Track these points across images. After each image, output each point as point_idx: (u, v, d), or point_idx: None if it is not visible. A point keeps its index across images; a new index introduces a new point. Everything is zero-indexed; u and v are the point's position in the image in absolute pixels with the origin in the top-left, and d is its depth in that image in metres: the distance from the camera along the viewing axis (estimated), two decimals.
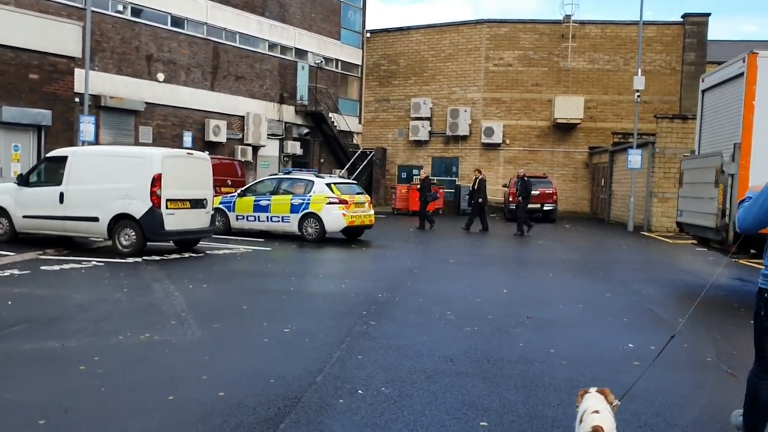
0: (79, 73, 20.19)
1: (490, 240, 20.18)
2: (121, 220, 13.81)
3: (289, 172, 18.81)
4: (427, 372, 6.29)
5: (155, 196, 13.61)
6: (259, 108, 31.88)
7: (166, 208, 13.79)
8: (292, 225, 17.64)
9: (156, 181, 13.62)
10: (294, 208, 17.59)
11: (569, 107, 35.20)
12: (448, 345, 7.30)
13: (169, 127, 28.55)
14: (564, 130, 36.10)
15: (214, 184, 23.18)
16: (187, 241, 14.97)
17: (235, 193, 18.79)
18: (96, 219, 13.92)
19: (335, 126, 34.85)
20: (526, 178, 22.21)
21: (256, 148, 31.73)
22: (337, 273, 12.63)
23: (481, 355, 6.98)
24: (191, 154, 14.92)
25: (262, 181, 19.19)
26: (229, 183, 23.08)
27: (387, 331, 7.86)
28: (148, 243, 14.12)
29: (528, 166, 35.86)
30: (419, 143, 37.45)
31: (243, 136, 31.31)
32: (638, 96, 25.80)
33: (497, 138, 35.86)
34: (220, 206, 18.65)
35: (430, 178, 23.62)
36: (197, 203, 14.54)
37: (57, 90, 18.98)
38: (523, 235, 21.43)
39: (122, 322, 7.91)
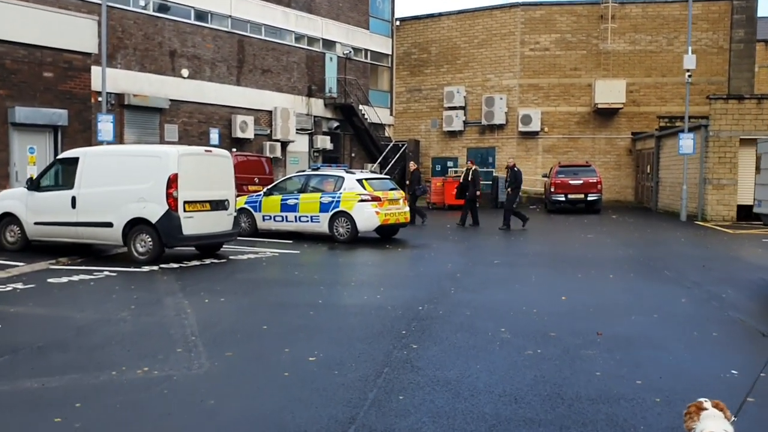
0: (96, 70, 19.17)
1: (533, 237, 18.67)
2: (136, 225, 12.67)
3: (317, 168, 17.52)
4: (488, 419, 4.92)
5: (172, 198, 12.43)
6: (286, 102, 30.70)
7: (184, 210, 12.60)
8: (321, 225, 16.36)
9: (172, 181, 12.44)
10: (323, 207, 16.30)
11: (610, 91, 33.34)
12: (508, 376, 5.92)
13: (195, 124, 27.53)
14: (605, 115, 34.26)
15: (240, 182, 22.20)
16: (208, 246, 13.78)
17: (261, 192, 17.57)
18: (110, 224, 12.81)
19: (366, 118, 33.54)
20: (516, 168, 20.42)
21: (284, 144, 30.57)
22: (370, 280, 11.29)
23: (552, 390, 5.58)
24: (210, 151, 13.69)
25: (289, 178, 17.95)
26: (257, 181, 21.91)
27: (432, 357, 6.50)
28: (167, 249, 12.98)
29: (568, 155, 34.21)
30: (453, 134, 35.93)
31: (271, 131, 30.17)
32: (689, 76, 23.96)
33: (535, 126, 34.18)
34: (246, 206, 17.46)
35: (420, 170, 21.68)
36: (218, 205, 13.32)
37: (73, 88, 17.95)
38: (509, 230, 19.60)
39: (120, 352, 6.68)
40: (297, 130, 31.02)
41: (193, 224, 12.74)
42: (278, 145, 29.92)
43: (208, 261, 12.98)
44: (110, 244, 13.53)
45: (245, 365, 6.25)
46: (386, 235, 17.25)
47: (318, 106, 32.44)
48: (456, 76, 36.09)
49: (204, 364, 6.25)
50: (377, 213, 15.96)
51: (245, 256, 13.63)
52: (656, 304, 9.23)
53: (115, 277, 11.15)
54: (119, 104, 24.64)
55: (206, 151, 13.62)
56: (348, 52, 33.35)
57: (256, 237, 16.99)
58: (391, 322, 7.90)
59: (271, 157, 29.39)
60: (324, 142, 32.00)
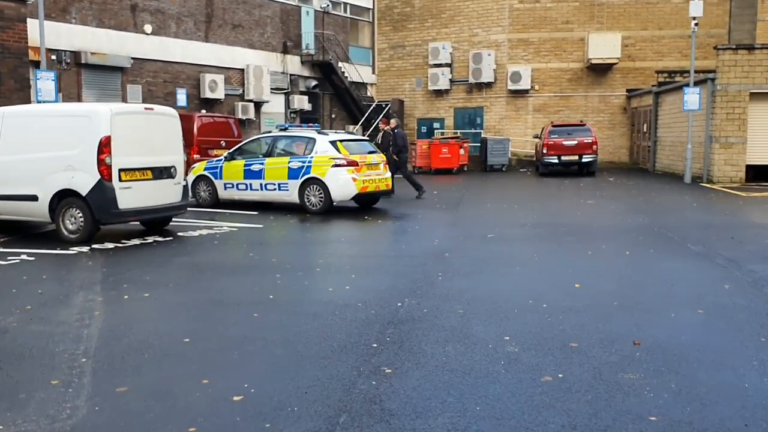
0: (39, 23, 16.74)
1: (528, 204, 16.67)
2: (65, 198, 10.54)
3: (285, 129, 15.34)
4: None
5: (104, 166, 10.28)
6: (260, 59, 28.28)
7: (120, 180, 10.47)
8: (291, 194, 14.27)
9: (104, 146, 10.27)
10: (292, 173, 14.19)
11: (604, 46, 31.11)
12: (523, 426, 3.94)
13: (161, 84, 25.14)
14: (599, 71, 32.09)
15: (205, 146, 20.09)
16: (153, 221, 11.69)
17: (222, 157, 15.40)
18: (35, 198, 10.66)
19: (346, 77, 31.17)
20: (397, 130, 17.70)
21: (258, 105, 28.23)
22: (341, 263, 9.24)
23: None
24: (151, 109, 11.45)
25: (254, 140, 15.73)
26: (224, 144, 19.72)
27: (411, 391, 4.50)
28: (103, 226, 10.89)
29: (560, 114, 32.11)
30: (439, 93, 33.63)
31: (243, 91, 27.82)
32: (695, 24, 21.80)
33: (525, 84, 31.96)
34: (205, 173, 15.31)
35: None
36: (162, 172, 11.18)
37: (5, 41, 15.57)
38: (424, 191, 17.43)
39: None
40: (272, 89, 28.66)
41: (132, 196, 10.61)
42: (251, 105, 27.59)
43: (150, 239, 10.88)
44: (37, 221, 11.38)
45: (137, 411, 4.22)
46: (365, 205, 15.20)
47: (294, 64, 30.05)
48: (441, 32, 33.67)
49: (79, 409, 4.23)
50: (354, 180, 13.88)
51: (197, 233, 11.54)
52: (694, 292, 7.28)
53: (31, 262, 9.07)
54: (75, 63, 22.23)
55: (146, 109, 11.38)
56: (326, 5, 30.83)
57: (217, 208, 14.89)
58: (359, 329, 5.90)
59: (244, 118, 27.14)
60: (301, 102, 29.68)
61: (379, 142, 18.64)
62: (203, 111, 24.54)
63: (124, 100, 23.90)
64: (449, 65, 33.08)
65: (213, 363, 5.07)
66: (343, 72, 31.02)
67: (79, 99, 22.54)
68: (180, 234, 11.41)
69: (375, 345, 5.45)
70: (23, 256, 9.39)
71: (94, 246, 10.15)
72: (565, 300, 6.89)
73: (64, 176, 10.44)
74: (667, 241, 10.64)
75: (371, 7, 34.16)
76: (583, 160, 25.03)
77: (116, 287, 7.55)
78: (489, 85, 32.63)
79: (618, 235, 11.21)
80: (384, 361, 5.08)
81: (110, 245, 10.27)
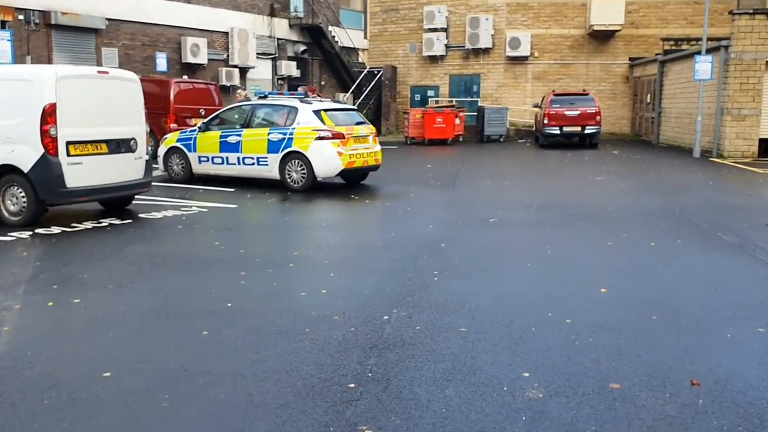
0: None
1: (531, 180, 15.29)
2: (5, 175, 9.09)
3: (265, 96, 13.80)
4: None
5: (48, 138, 8.81)
6: (245, 22, 26.55)
7: (68, 155, 9.01)
8: (270, 169, 12.82)
9: (48, 115, 8.78)
10: (272, 146, 12.72)
11: (607, 11, 29.42)
12: None
13: (139, 47, 23.45)
14: (601, 38, 30.45)
15: (182, 115, 18.51)
16: (112, 201, 10.26)
17: (196, 127, 13.89)
18: None
19: (337, 42, 29.47)
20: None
21: (244, 70, 26.55)
22: (319, 256, 7.81)
23: None
24: (106, 72, 9.90)
25: (230, 108, 14.17)
26: (203, 113, 18.13)
27: None
28: (52, 207, 9.47)
29: (560, 83, 30.54)
30: (434, 59, 31.91)
31: (228, 56, 26.14)
32: None
33: (524, 50, 30.32)
34: (178, 145, 13.82)
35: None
36: (120, 145, 9.71)
37: None
38: None
39: None
40: (258, 54, 26.98)
41: (82, 173, 9.16)
42: (236, 71, 25.91)
43: (106, 222, 9.45)
44: None
45: None
46: (353, 181, 13.78)
47: (282, 28, 28.31)
48: None
49: None
50: (339, 154, 12.44)
51: (160, 214, 10.10)
52: (745, 299, 5.94)
53: None
54: (45, 23, 20.55)
55: (100, 72, 9.83)
56: None
57: (191, 183, 13.45)
58: (333, 356, 4.54)
59: (229, 84, 25.51)
60: (289, 68, 28.03)
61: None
62: (185, 77, 22.91)
63: (99, 64, 22.21)
64: (445, 30, 31.36)
65: (130, 416, 3.71)
66: (334, 37, 29.34)
67: (49, 62, 20.91)
68: (141, 215, 9.99)
69: (352, 385, 4.09)
70: None
71: (38, 231, 8.73)
72: (591, 312, 5.54)
73: (3, 150, 8.96)
74: (693, 229, 9.29)
75: None
76: (586, 131, 23.59)
77: (43, 289, 6.16)
78: (486, 51, 30.97)
79: (637, 220, 9.84)
80: (362, 413, 3.73)
81: (57, 230, 8.85)
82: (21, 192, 9.01)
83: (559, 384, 4.12)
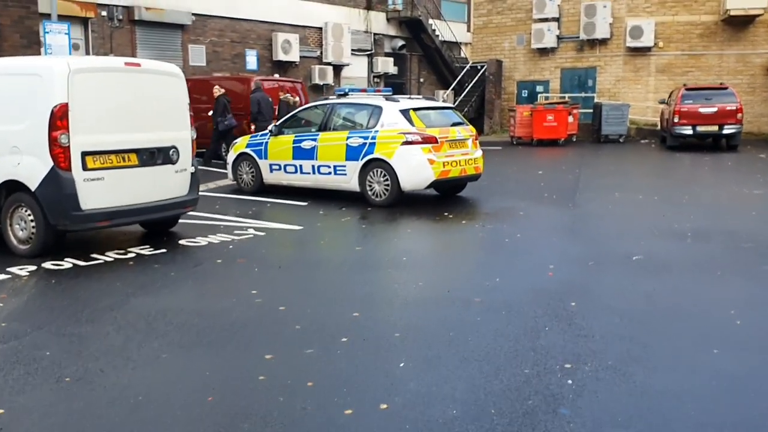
0: None
1: (666, 192, 12.26)
2: (14, 193, 7.24)
3: (345, 94, 11.54)
4: None
5: (58, 147, 6.86)
6: (340, 16, 24.53)
7: (84, 168, 7.02)
8: (349, 179, 10.52)
9: (58, 119, 6.83)
10: (351, 153, 10.42)
11: None
12: None
13: (227, 45, 21.95)
14: (738, 25, 26.29)
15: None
16: (151, 223, 8.28)
17: (268, 131, 11.79)
18: None
19: (437, 36, 27.02)
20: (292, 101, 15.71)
21: (338, 68, 24.59)
22: (387, 321, 5.13)
23: None
24: (137, 65, 7.84)
25: (307, 109, 11.98)
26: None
27: None
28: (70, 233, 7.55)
29: (688, 76, 26.62)
30: (544, 52, 28.71)
31: (321, 53, 24.23)
32: None
33: (647, 40, 26.63)
34: (248, 150, 11.79)
35: (228, 97, 15.59)
36: (155, 156, 7.65)
37: None
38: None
39: None
40: (353, 50, 24.95)
41: (103, 191, 7.15)
42: (329, 69, 23.99)
43: (134, 252, 7.40)
44: None
45: None
46: (448, 193, 11.29)
47: (379, 22, 26.13)
48: None
49: None
50: (431, 161, 9.97)
51: (206, 240, 7.97)
52: None
53: None
54: (129, 20, 19.33)
55: (129, 64, 7.76)
56: None
57: (261, 195, 11.38)
58: None
59: (322, 84, 23.59)
60: (386, 65, 25.83)
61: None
62: (276, 75, 21.10)
63: (185, 62, 20.86)
64: (557, 19, 28.13)
65: None
66: (434, 30, 26.89)
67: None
68: (182, 242, 7.91)
69: None
70: None
71: (45, 264, 6.79)
72: None
73: (8, 162, 7.10)
74: None
75: None
76: (724, 131, 19.93)
77: (27, 359, 4.09)
78: (603, 41, 27.50)
79: None
80: None
81: (68, 263, 6.88)
82: (29, 214, 7.12)
83: None
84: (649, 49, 27.01)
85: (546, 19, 28.15)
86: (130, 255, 7.30)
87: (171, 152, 7.86)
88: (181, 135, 8.01)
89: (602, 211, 10.08)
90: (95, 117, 7.12)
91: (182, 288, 6.17)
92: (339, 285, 6.31)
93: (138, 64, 7.75)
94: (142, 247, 7.64)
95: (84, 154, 7.00)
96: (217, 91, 15.43)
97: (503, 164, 16.26)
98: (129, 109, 7.47)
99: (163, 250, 7.51)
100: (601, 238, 8.08)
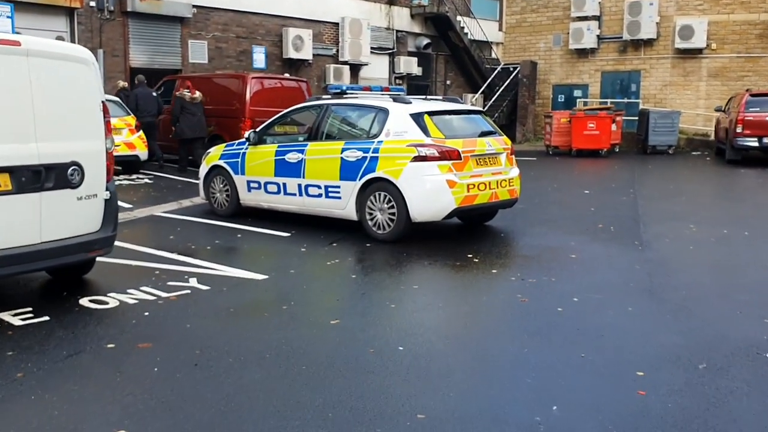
0: None
1: (759, 222, 9.42)
2: None
3: (342, 93, 8.90)
4: None
5: None
6: (359, 11, 21.95)
7: None
8: (344, 204, 7.90)
9: None
10: (347, 170, 7.79)
11: None
12: None
13: (232, 40, 19.54)
14: None
15: (262, 119, 13.89)
16: (61, 268, 5.75)
17: (245, 138, 9.17)
18: None
19: (466, 34, 24.32)
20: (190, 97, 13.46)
21: (355, 68, 22.01)
22: None
23: None
24: (15, 44, 5.27)
25: (294, 111, 9.32)
26: None
27: None
28: None
29: (744, 81, 23.54)
30: (583, 53, 25.83)
31: (337, 50, 21.68)
32: None
33: (699, 41, 23.65)
34: (221, 163, 9.22)
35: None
36: (43, 177, 5.12)
37: None
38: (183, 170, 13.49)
39: None
40: (373, 49, 22.35)
41: None
42: (346, 68, 21.41)
43: (18, 318, 4.90)
44: None
45: None
46: (474, 221, 8.62)
47: (402, 18, 23.51)
48: None
49: None
50: (451, 183, 7.30)
51: (120, 299, 5.41)
52: None
53: None
54: (121, 11, 17.05)
55: (10, 42, 5.26)
56: None
57: (235, 220, 8.81)
58: None
59: (325, 83, 20.99)
60: (409, 65, 23.20)
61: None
62: (286, 75, 18.60)
63: (185, 59, 18.52)
64: (597, 18, 25.27)
65: None
66: (463, 28, 24.21)
67: (125, 56, 17.36)
68: (84, 301, 5.34)
69: None
70: None
71: None
72: None
73: None
74: None
75: None
76: None
77: None
78: (649, 42, 24.57)
79: None
80: None
81: None
82: None
83: None
84: (700, 50, 24.01)
85: (585, 18, 25.32)
86: (10, 322, 4.76)
87: (70, 171, 5.31)
88: (87, 146, 5.47)
89: (683, 255, 7.29)
90: None
91: (39, 401, 3.58)
92: (280, 410, 3.64)
93: (17, 42, 5.16)
94: (20, 309, 5.10)
95: None
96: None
97: (540, 179, 13.53)
98: (11, 109, 4.94)
99: (45, 318, 4.95)
100: (700, 309, 5.33)
